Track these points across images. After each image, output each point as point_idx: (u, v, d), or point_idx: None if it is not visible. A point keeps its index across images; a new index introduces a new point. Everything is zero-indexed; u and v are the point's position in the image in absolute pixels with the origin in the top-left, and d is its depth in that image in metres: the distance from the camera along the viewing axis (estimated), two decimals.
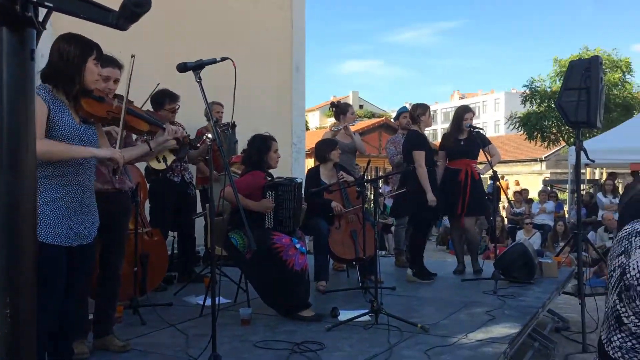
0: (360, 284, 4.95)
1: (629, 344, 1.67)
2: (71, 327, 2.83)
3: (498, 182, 5.19)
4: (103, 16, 0.70)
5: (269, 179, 4.47)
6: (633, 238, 1.72)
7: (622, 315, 1.68)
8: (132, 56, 3.01)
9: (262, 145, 4.45)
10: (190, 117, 5.79)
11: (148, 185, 5.06)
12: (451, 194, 5.55)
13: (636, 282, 1.63)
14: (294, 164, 9.62)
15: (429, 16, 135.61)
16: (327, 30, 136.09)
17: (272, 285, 4.09)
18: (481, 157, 5.70)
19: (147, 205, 5.08)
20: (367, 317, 3.89)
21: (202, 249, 6.26)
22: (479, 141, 5.60)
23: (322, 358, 3.19)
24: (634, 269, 1.65)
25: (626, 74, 19.65)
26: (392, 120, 6.31)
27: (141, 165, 4.82)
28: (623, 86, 19.03)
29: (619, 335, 1.70)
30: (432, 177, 5.46)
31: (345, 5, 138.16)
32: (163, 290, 4.96)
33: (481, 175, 5.72)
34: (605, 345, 1.76)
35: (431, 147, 5.60)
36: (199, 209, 5.66)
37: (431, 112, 5.78)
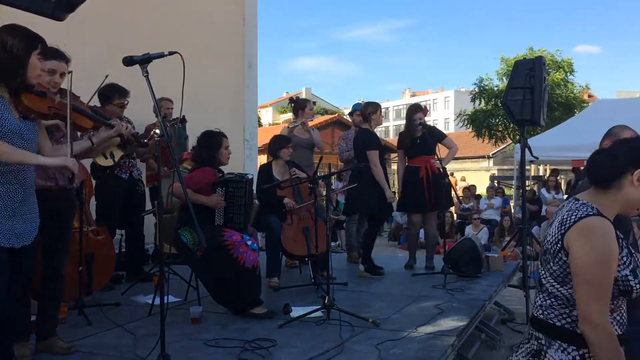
0: (313, 280, 4.97)
1: (547, 302, 1.86)
2: (11, 329, 2.72)
3: (448, 179, 5.28)
4: (38, 5, 0.67)
5: (220, 175, 4.42)
6: (559, 211, 1.92)
7: (542, 277, 1.88)
8: (69, 72, 2.93)
9: (212, 142, 4.39)
10: (139, 113, 5.66)
11: (94, 182, 4.92)
12: (414, 192, 5.63)
13: (550, 246, 1.84)
14: (246, 160, 9.57)
15: (381, 14, 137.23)
16: (279, 26, 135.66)
17: (223, 282, 4.05)
18: (445, 151, 5.82)
19: (93, 202, 4.95)
20: (319, 313, 3.91)
21: (151, 247, 6.14)
22: (434, 136, 5.70)
23: (274, 355, 3.19)
24: (550, 234, 1.86)
25: (568, 74, 20.41)
26: (348, 116, 6.41)
27: (87, 162, 4.68)
28: (565, 86, 19.75)
29: (540, 296, 1.89)
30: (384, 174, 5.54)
31: (296, 1, 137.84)
32: (110, 289, 4.84)
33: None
34: (533, 309, 1.93)
35: (382, 145, 5.66)
36: (149, 206, 5.55)
37: (382, 110, 5.84)
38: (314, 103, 6.65)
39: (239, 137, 9.42)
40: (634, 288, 1.77)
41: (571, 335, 1.80)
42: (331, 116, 29.82)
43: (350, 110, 6.78)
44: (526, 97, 5.84)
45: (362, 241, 5.88)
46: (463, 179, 19.41)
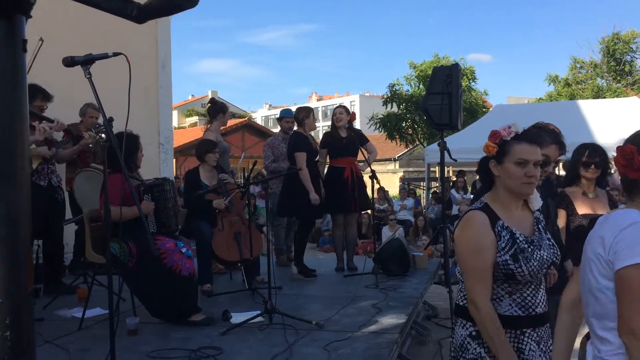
0: (248, 286, 4.92)
1: (460, 287, 2.10)
2: None
3: (377, 180, 5.40)
4: (122, 8, 0.64)
5: (138, 182, 4.28)
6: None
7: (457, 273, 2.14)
8: None
9: (132, 145, 4.21)
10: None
11: None
12: (338, 192, 5.68)
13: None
14: (162, 165, 9.26)
15: (287, 18, 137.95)
16: (183, 26, 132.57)
17: (159, 293, 3.90)
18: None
19: None
20: (260, 318, 3.88)
21: (68, 257, 5.80)
22: (358, 139, 5.80)
23: None
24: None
25: (471, 81, 21.57)
26: (277, 121, 6.21)
27: None
28: (469, 92, 20.84)
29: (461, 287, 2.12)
30: (315, 177, 5.58)
31: (202, 2, 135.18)
32: None
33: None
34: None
35: (313, 148, 5.68)
36: (68, 214, 5.24)
37: (314, 114, 5.87)
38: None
39: (154, 141, 9.12)
40: (515, 271, 1.94)
41: (467, 312, 2.00)
42: (241, 119, 29.68)
43: (278, 115, 6.68)
44: (444, 103, 6.12)
45: (294, 244, 5.91)
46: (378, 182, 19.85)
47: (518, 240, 1.98)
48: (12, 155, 0.66)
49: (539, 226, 2.09)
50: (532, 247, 1.99)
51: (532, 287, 2.00)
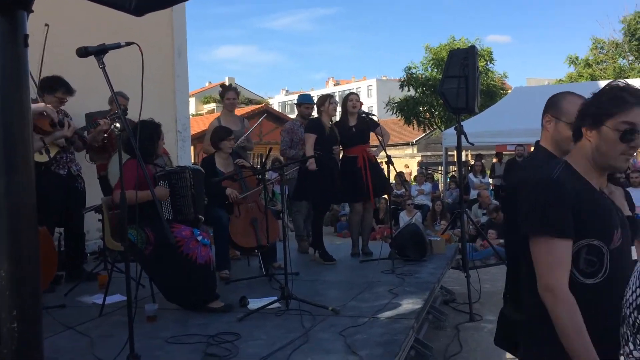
0: (265, 272, 4.96)
1: None
2: None
3: (393, 166, 5.37)
4: (121, 1, 0.64)
5: (159, 170, 4.32)
6: None
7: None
8: None
9: (153, 133, 4.24)
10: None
11: None
12: (353, 181, 5.67)
13: None
14: (179, 152, 9.33)
15: (303, 2, 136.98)
16: (199, 13, 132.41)
17: (175, 281, 3.94)
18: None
19: None
20: (277, 304, 3.91)
21: (90, 244, 5.90)
22: (369, 125, 5.77)
23: (241, 348, 3.16)
24: None
25: (488, 62, 21.31)
26: (296, 107, 6.25)
27: None
28: (486, 74, 20.59)
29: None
30: (331, 165, 5.60)
31: None
32: (50, 291, 4.61)
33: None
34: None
35: (327, 135, 5.64)
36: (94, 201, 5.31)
37: (332, 99, 5.81)
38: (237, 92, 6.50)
39: (171, 129, 9.18)
40: None
41: None
42: (259, 106, 29.68)
43: (295, 101, 6.69)
44: (461, 86, 6.05)
45: (311, 229, 5.96)
46: (407, 166, 19.61)
47: None
48: (15, 146, 0.67)
49: None
50: None
51: None
